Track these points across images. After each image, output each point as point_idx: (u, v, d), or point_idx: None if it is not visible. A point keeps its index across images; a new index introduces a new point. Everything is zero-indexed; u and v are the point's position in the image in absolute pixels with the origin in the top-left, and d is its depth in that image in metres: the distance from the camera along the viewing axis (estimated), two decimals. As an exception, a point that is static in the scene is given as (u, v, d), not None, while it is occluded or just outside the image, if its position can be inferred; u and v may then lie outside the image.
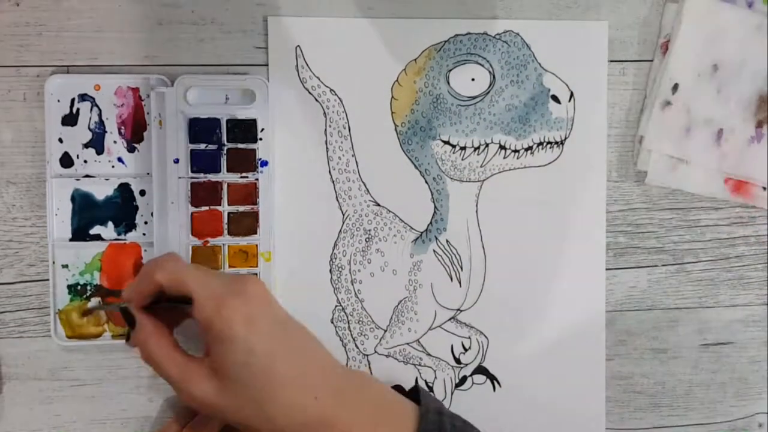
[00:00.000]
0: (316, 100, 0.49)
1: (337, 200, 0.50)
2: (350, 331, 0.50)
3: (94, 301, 0.48)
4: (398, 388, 0.48)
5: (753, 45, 0.51)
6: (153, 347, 0.39)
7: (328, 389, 0.38)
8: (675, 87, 0.50)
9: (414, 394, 0.43)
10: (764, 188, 0.53)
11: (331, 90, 0.49)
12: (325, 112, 0.50)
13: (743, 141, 0.52)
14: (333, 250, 0.50)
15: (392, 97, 0.50)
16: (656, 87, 0.51)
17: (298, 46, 0.49)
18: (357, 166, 0.50)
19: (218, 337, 0.37)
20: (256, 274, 0.48)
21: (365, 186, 0.50)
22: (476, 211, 0.51)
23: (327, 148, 0.50)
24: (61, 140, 0.47)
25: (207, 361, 0.39)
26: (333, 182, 0.50)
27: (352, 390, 0.40)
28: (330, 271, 0.50)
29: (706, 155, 0.52)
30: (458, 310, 0.51)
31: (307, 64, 0.49)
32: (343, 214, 0.50)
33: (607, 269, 0.52)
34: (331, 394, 0.38)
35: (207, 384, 0.38)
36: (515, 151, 0.51)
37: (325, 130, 0.50)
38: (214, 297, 0.37)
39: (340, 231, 0.50)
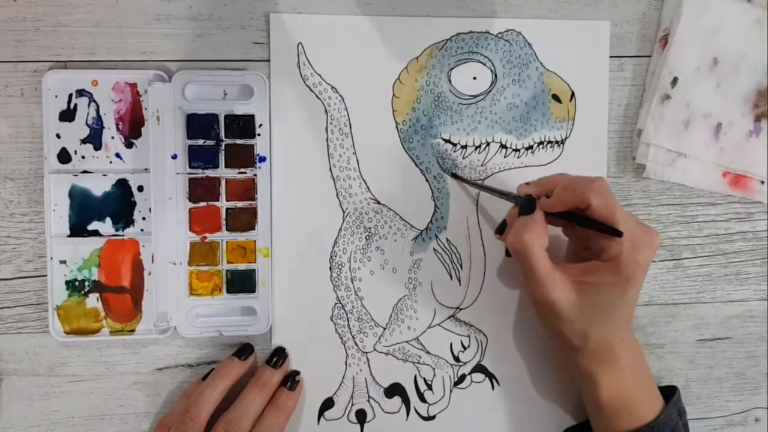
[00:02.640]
0: (318, 97, 0.49)
1: (338, 198, 0.50)
2: (349, 328, 0.50)
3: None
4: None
5: (752, 39, 0.51)
6: (535, 241, 0.43)
7: (628, 339, 0.46)
8: (674, 81, 0.50)
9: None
10: (762, 182, 0.53)
11: (332, 87, 0.49)
12: (326, 110, 0.49)
13: (742, 135, 0.52)
14: (333, 247, 0.50)
15: (393, 95, 0.50)
16: (655, 81, 0.51)
17: (300, 43, 0.49)
18: (358, 163, 0.50)
19: (619, 272, 0.42)
20: (254, 270, 0.48)
21: (366, 184, 0.50)
22: (477, 210, 0.51)
23: (328, 145, 0.50)
24: (58, 136, 0.47)
25: (573, 272, 0.43)
26: (333, 180, 0.50)
27: (637, 350, 0.47)
28: (330, 268, 0.50)
29: (705, 149, 0.52)
30: (458, 308, 0.51)
31: (309, 62, 0.49)
32: (344, 212, 0.50)
33: (605, 265, 0.52)
34: (628, 342, 0.46)
35: (566, 292, 0.43)
36: (516, 150, 0.51)
37: (326, 127, 0.50)
38: (634, 240, 0.42)
39: (340, 228, 0.50)
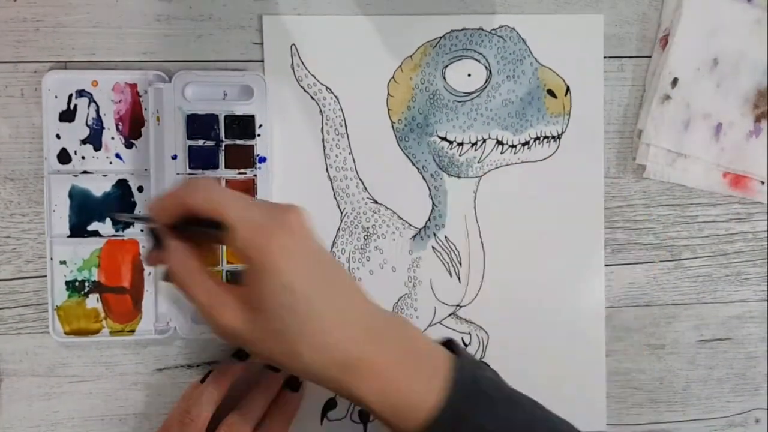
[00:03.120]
0: (312, 98, 0.49)
1: (335, 198, 0.50)
2: (349, 327, 0.50)
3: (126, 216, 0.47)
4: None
5: (752, 39, 0.51)
6: (182, 270, 0.37)
7: (364, 330, 0.37)
8: (674, 81, 0.50)
9: (449, 346, 0.41)
10: (762, 182, 0.53)
11: (327, 88, 0.49)
12: (321, 110, 0.50)
13: (742, 135, 0.52)
14: (332, 248, 0.50)
15: (388, 94, 0.50)
16: (656, 81, 0.51)
17: (293, 44, 0.49)
18: (354, 163, 0.50)
19: (256, 268, 0.35)
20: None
21: (363, 183, 0.50)
22: (474, 207, 0.51)
23: (324, 146, 0.50)
24: (58, 136, 0.47)
25: (240, 290, 0.37)
26: (330, 180, 0.50)
27: (389, 332, 0.38)
28: (329, 267, 0.50)
29: (705, 149, 0.52)
30: (458, 306, 0.51)
31: (303, 63, 0.49)
32: (341, 212, 0.50)
33: (605, 265, 0.52)
34: (367, 334, 0.37)
35: (237, 313, 0.36)
36: (512, 146, 0.51)
37: (322, 128, 0.50)
38: (255, 226, 0.35)
39: (338, 229, 0.50)
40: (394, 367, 0.37)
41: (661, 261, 0.53)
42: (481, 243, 0.51)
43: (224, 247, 0.48)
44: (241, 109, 0.48)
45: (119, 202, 0.48)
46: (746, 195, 0.53)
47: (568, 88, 0.51)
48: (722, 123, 0.52)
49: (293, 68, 0.49)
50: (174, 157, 0.47)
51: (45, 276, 0.48)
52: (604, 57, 0.51)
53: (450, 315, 0.51)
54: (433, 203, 0.51)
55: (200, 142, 0.48)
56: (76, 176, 0.47)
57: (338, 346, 0.36)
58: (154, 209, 0.38)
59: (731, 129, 0.52)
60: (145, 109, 0.48)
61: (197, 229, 0.38)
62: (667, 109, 0.51)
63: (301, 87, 0.49)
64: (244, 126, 0.48)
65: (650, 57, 0.52)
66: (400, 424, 0.37)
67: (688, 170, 0.52)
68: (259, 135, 0.48)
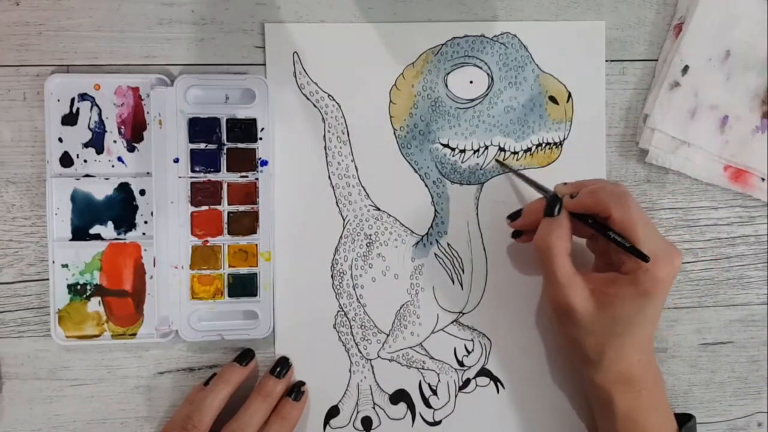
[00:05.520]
0: (315, 105, 0.49)
1: (337, 205, 0.50)
2: (353, 336, 0.50)
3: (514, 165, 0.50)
4: None
5: (766, 34, 0.51)
6: (557, 243, 0.43)
7: (646, 361, 0.45)
8: (685, 69, 0.50)
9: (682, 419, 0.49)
10: (763, 179, 0.52)
11: (329, 95, 0.49)
12: (323, 118, 0.50)
13: (748, 130, 0.52)
14: (334, 255, 0.50)
15: (390, 101, 0.50)
16: (666, 68, 0.51)
17: (296, 52, 0.49)
18: (356, 171, 0.50)
19: (637, 285, 0.42)
20: (255, 274, 0.48)
21: (365, 191, 0.50)
22: (477, 214, 0.51)
23: (326, 153, 0.50)
24: (60, 140, 0.47)
25: (591, 280, 0.43)
26: (333, 187, 0.50)
27: (656, 374, 0.47)
28: (331, 276, 0.50)
29: (709, 140, 0.52)
30: (460, 312, 0.51)
31: (305, 70, 0.49)
32: (344, 219, 0.50)
33: (606, 269, 0.52)
34: (646, 364, 0.45)
35: (586, 299, 0.43)
36: (514, 152, 0.51)
37: (324, 135, 0.50)
38: (654, 255, 0.41)
39: (340, 236, 0.50)
40: (647, 395, 0.45)
41: (662, 264, 0.53)
42: (484, 250, 0.51)
43: (226, 251, 0.48)
44: (243, 113, 0.48)
45: (121, 205, 0.48)
46: (745, 190, 0.53)
47: (569, 95, 0.51)
48: (729, 116, 0.51)
49: (295, 76, 0.49)
50: (176, 161, 0.47)
51: (47, 279, 0.48)
52: (606, 61, 0.51)
53: (452, 322, 0.51)
54: (435, 210, 0.51)
55: (202, 146, 0.48)
56: (78, 180, 0.48)
57: (630, 362, 0.44)
58: (567, 192, 0.45)
59: (737, 122, 0.52)
60: (147, 112, 0.48)
61: (614, 241, 0.42)
62: (675, 96, 0.51)
63: (304, 95, 0.49)
64: (245, 129, 0.48)
65: (652, 60, 0.52)
66: None
67: (689, 159, 0.52)
68: (260, 138, 0.48)
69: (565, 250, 0.43)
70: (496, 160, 0.50)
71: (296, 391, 0.48)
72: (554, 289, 0.43)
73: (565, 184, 0.46)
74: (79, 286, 0.48)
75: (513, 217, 0.48)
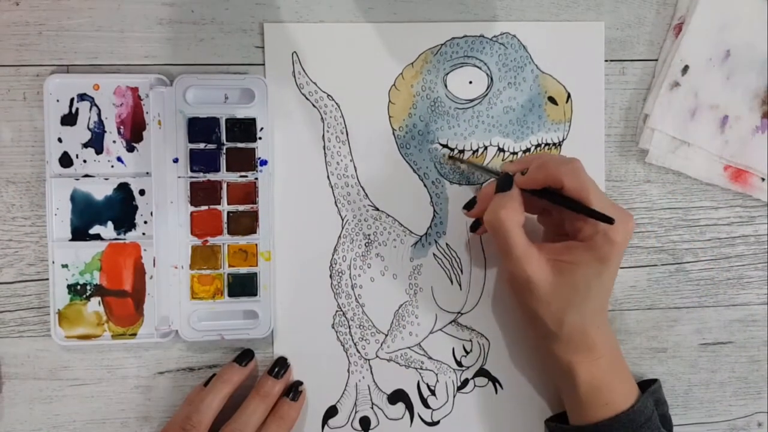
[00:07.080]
0: (314, 105, 0.49)
1: (336, 205, 0.50)
2: (351, 336, 0.50)
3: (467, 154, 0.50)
4: None
5: (766, 34, 0.51)
6: (511, 217, 0.43)
7: (603, 327, 0.45)
8: (685, 69, 0.50)
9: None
10: (763, 179, 0.52)
11: (328, 95, 0.49)
12: (322, 118, 0.50)
13: (748, 130, 0.52)
14: (333, 255, 0.50)
15: (390, 101, 0.50)
16: (666, 68, 0.51)
17: (295, 52, 0.49)
18: (355, 171, 0.50)
19: (594, 250, 0.42)
20: (255, 273, 0.48)
21: (364, 191, 0.50)
22: (476, 214, 0.51)
23: (325, 153, 0.50)
24: (60, 140, 0.47)
25: (545, 250, 0.44)
26: (332, 187, 0.50)
27: (612, 339, 0.47)
28: (330, 276, 0.50)
29: (709, 140, 0.52)
30: (459, 313, 0.51)
31: (304, 70, 0.49)
32: (342, 219, 0.50)
33: (606, 269, 0.52)
34: (604, 330, 0.45)
35: (543, 270, 0.43)
36: (514, 153, 0.51)
37: (323, 135, 0.50)
38: (615, 224, 0.41)
39: (339, 236, 0.50)
40: (606, 362, 0.45)
41: (662, 264, 0.53)
42: (483, 250, 0.51)
43: (225, 251, 0.48)
44: (242, 112, 0.48)
45: (121, 205, 0.48)
46: (745, 190, 0.53)
47: (569, 96, 0.51)
48: (729, 116, 0.51)
49: (294, 76, 0.49)
50: (175, 161, 0.47)
51: (47, 279, 0.48)
52: (606, 61, 0.51)
53: (451, 322, 0.51)
54: (434, 210, 0.51)
55: (201, 146, 0.48)
56: (77, 180, 0.48)
57: (586, 327, 0.44)
58: (516, 170, 0.45)
59: (737, 122, 0.52)
60: (147, 112, 0.48)
61: (576, 209, 0.42)
62: (675, 96, 0.51)
63: (303, 94, 0.49)
64: (245, 129, 0.48)
65: (651, 60, 0.52)
66: (592, 405, 0.45)
67: (689, 159, 0.52)
68: (260, 138, 0.48)
69: (517, 222, 0.43)
70: (450, 157, 0.50)
71: (294, 391, 0.48)
72: (510, 263, 0.43)
73: (511, 161, 0.46)
74: (79, 286, 0.48)
75: (469, 206, 0.48)
